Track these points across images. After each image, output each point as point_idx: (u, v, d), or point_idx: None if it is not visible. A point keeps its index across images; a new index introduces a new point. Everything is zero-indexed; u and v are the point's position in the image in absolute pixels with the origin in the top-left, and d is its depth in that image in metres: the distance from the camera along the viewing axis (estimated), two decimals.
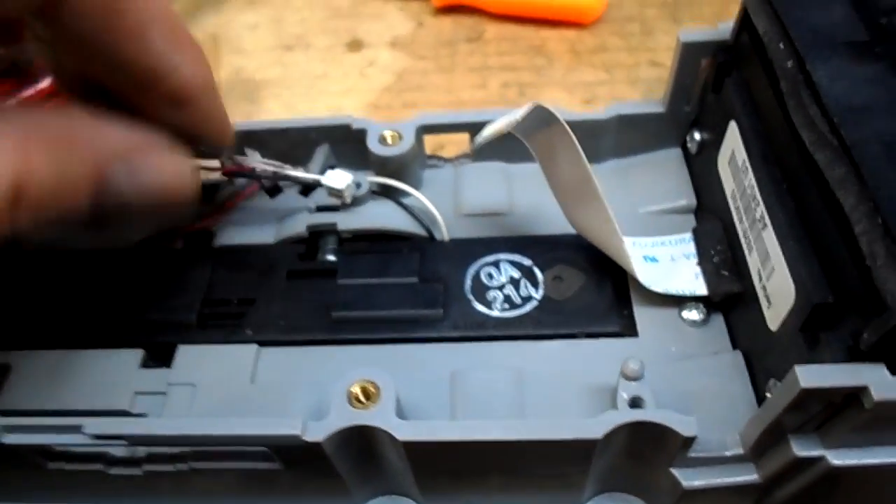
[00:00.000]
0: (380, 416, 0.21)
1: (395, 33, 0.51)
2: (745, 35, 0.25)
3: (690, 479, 0.21)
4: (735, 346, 0.25)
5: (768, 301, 0.22)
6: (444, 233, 0.29)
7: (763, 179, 0.22)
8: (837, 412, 0.18)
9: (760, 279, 0.22)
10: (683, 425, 0.20)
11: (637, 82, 0.47)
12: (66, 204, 0.20)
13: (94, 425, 0.22)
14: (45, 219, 0.19)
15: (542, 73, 0.49)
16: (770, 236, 0.22)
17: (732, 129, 0.25)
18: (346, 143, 0.31)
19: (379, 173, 0.30)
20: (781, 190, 0.22)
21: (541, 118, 0.23)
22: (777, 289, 0.21)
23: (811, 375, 0.17)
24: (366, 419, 0.21)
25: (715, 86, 0.26)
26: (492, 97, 0.47)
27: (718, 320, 0.26)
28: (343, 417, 0.21)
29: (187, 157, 0.24)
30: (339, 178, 0.29)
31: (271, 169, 0.29)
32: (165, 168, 0.22)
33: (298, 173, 0.29)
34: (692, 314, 0.26)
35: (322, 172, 0.31)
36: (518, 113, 0.23)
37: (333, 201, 0.30)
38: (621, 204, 0.27)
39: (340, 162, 0.32)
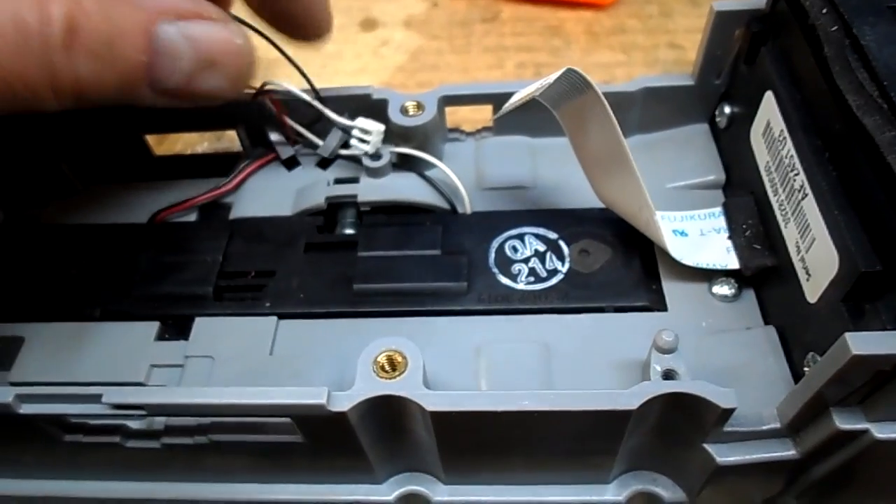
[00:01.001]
0: (407, 386, 0.20)
1: (409, 12, 0.51)
2: (782, 3, 0.24)
3: (725, 454, 0.21)
4: (767, 321, 0.24)
5: (807, 273, 0.21)
6: (466, 205, 0.28)
7: (804, 148, 0.22)
8: (883, 384, 0.18)
9: (799, 251, 0.22)
10: (722, 397, 0.19)
11: (655, 64, 0.46)
12: (120, 52, 0.20)
13: (113, 394, 0.21)
14: (102, 67, 0.20)
15: (558, 55, 0.48)
16: (811, 206, 0.21)
17: (768, 99, 0.24)
18: (367, 113, 0.30)
19: (399, 145, 0.30)
20: (823, 158, 0.21)
21: (573, 84, 0.23)
22: (818, 259, 0.21)
23: (862, 343, 0.16)
24: (393, 388, 0.20)
25: (749, 56, 0.26)
26: (507, 78, 0.46)
27: (750, 295, 0.25)
28: (369, 387, 0.20)
29: (238, 28, 0.23)
30: (370, 124, 0.28)
31: (305, 97, 0.28)
32: (216, 32, 0.22)
33: (332, 114, 0.29)
34: (723, 289, 0.25)
35: (340, 145, 0.30)
36: (549, 78, 0.23)
37: (351, 174, 0.29)
38: (648, 179, 0.26)
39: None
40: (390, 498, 0.24)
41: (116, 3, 0.20)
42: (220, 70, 0.22)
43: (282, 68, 0.49)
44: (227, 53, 0.22)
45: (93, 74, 0.20)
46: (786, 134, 0.23)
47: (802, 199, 0.22)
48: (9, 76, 0.19)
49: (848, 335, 0.16)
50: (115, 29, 0.20)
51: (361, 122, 0.29)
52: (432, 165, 0.29)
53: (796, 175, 0.22)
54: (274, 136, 0.31)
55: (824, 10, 0.21)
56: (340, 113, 0.31)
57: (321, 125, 0.30)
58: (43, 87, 0.20)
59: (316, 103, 0.29)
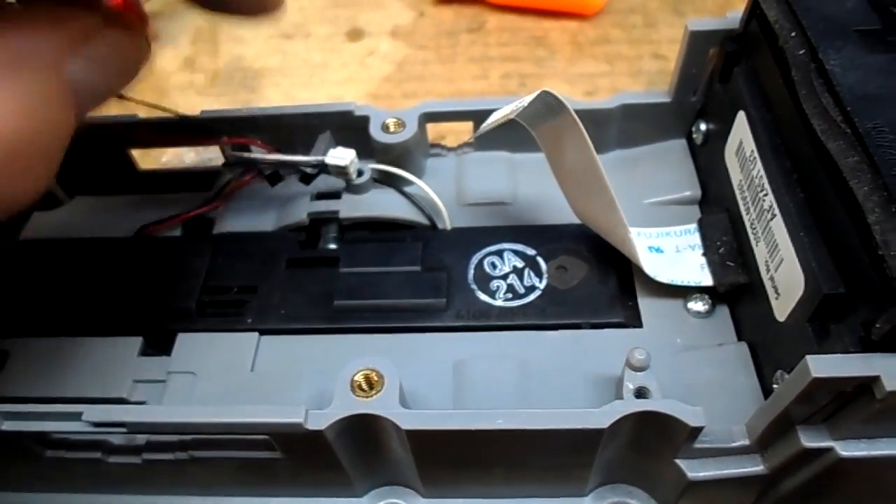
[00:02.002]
0: (383, 405, 0.21)
1: (395, 23, 0.51)
2: (754, 24, 0.24)
3: (696, 470, 0.21)
4: (740, 337, 0.25)
5: (776, 292, 0.22)
6: (446, 221, 0.29)
7: (772, 169, 0.22)
8: (846, 403, 0.18)
9: (768, 270, 0.22)
10: (690, 416, 0.19)
11: (639, 74, 0.47)
12: (51, 137, 0.17)
13: (93, 412, 0.21)
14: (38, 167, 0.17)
15: (543, 65, 0.48)
16: (779, 226, 0.21)
17: (740, 119, 0.24)
18: (348, 130, 0.30)
19: (381, 161, 0.30)
20: (791, 180, 0.21)
21: (548, 105, 0.23)
22: (785, 279, 0.21)
23: (822, 365, 0.17)
24: (369, 408, 0.21)
25: (723, 76, 0.26)
26: (493, 88, 0.47)
27: (724, 312, 0.26)
28: (346, 406, 0.21)
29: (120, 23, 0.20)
30: (342, 155, 0.28)
31: (272, 158, 0.28)
32: (112, 41, 0.19)
33: (301, 158, 0.28)
34: (697, 305, 0.25)
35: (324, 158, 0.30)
36: (525, 100, 0.23)
37: (335, 186, 0.29)
38: (625, 195, 0.27)
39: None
40: None
41: (22, 77, 0.16)
42: (129, 68, 0.20)
43: (269, 77, 0.49)
44: (130, 50, 0.20)
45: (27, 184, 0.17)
46: (756, 154, 0.23)
47: (771, 219, 0.22)
48: None
49: (809, 358, 0.17)
50: (39, 123, 0.16)
51: (333, 154, 0.29)
52: (412, 182, 0.29)
53: (765, 195, 0.22)
54: (257, 152, 0.31)
55: (793, 34, 0.22)
56: (322, 130, 0.31)
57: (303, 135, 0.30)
58: None
59: (288, 158, 0.29)
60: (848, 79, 0.19)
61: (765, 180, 0.22)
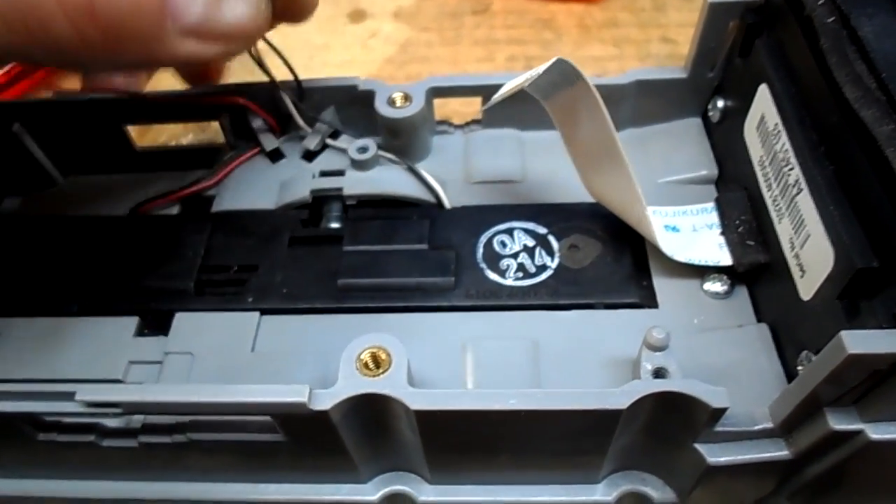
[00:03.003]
0: (391, 384, 0.20)
1: (398, 4, 0.50)
2: None
3: (716, 455, 0.20)
4: (760, 318, 0.24)
5: (801, 270, 0.21)
6: (445, 203, 0.28)
7: (799, 142, 0.21)
8: (879, 383, 0.17)
9: (793, 247, 0.21)
10: (713, 396, 0.19)
11: (647, 58, 0.46)
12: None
13: (87, 391, 0.20)
14: None
15: (549, 48, 0.47)
16: (806, 201, 0.20)
17: (762, 92, 0.24)
18: (353, 105, 0.30)
19: (386, 137, 0.29)
20: (819, 153, 0.20)
21: (564, 74, 0.22)
22: (812, 256, 0.20)
23: (858, 341, 0.16)
24: (376, 387, 0.20)
25: (743, 49, 0.25)
26: (498, 71, 0.46)
27: (742, 292, 0.25)
28: (352, 385, 0.20)
29: None
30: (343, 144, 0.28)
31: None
32: None
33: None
34: (715, 286, 0.25)
35: (328, 135, 0.30)
36: (539, 69, 0.22)
37: (339, 164, 0.28)
38: (639, 174, 0.26)
39: (346, 126, 0.30)
40: (374, 498, 0.24)
41: None
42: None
43: (269, 59, 0.48)
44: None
45: None
46: (780, 128, 0.22)
47: (797, 194, 0.21)
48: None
49: (843, 333, 0.16)
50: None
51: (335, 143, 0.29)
52: (418, 158, 0.28)
53: (791, 170, 0.21)
54: (258, 128, 0.30)
55: (820, 2, 0.21)
56: (326, 105, 0.30)
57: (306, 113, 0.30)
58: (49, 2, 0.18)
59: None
60: (882, 45, 0.18)
61: (790, 154, 0.21)
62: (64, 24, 0.18)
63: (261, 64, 0.28)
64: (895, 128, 0.17)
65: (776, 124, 0.22)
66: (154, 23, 0.19)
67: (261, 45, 0.28)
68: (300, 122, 0.29)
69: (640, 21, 0.48)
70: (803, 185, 0.21)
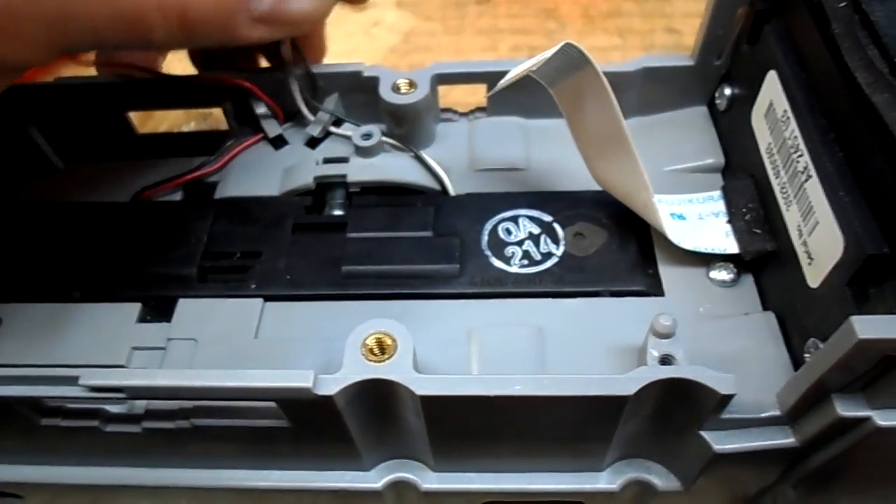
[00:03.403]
0: (397, 370, 0.20)
1: None
2: None
3: (722, 442, 0.20)
4: (766, 307, 0.24)
5: (809, 257, 0.21)
6: (450, 190, 0.28)
7: (808, 129, 0.21)
8: (888, 370, 0.17)
9: (801, 234, 0.21)
10: (721, 383, 0.19)
11: (652, 49, 0.46)
12: None
13: (90, 376, 0.20)
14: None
15: (553, 38, 0.47)
16: (815, 188, 0.20)
17: (771, 79, 0.23)
18: (357, 92, 0.29)
19: (390, 124, 0.29)
20: (828, 139, 0.20)
21: (571, 59, 0.22)
22: (821, 243, 0.20)
23: (869, 326, 0.16)
24: (382, 372, 0.19)
25: (751, 36, 0.25)
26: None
27: (748, 280, 0.25)
28: (357, 370, 0.20)
29: None
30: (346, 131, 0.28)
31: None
32: None
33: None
34: (721, 274, 0.25)
35: (331, 122, 0.29)
36: (546, 53, 0.22)
37: (342, 151, 0.28)
38: (645, 162, 0.26)
39: (350, 113, 0.30)
40: (378, 485, 0.24)
41: None
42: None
43: None
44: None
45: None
46: (790, 114, 0.22)
47: (806, 181, 0.21)
48: None
49: (854, 319, 0.16)
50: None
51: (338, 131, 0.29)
52: (422, 146, 0.28)
53: (800, 156, 0.21)
54: (261, 114, 0.30)
55: None
56: (330, 92, 0.30)
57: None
58: (149, 3, 0.20)
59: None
60: (894, 29, 0.18)
61: (799, 141, 0.21)
62: (161, 27, 0.21)
63: (279, 51, 0.28)
64: None
65: (785, 111, 0.22)
66: (231, 15, 0.22)
67: None
68: (305, 112, 0.29)
69: (644, 11, 0.47)
70: (812, 171, 0.21)
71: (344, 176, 0.28)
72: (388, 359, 0.20)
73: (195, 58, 0.30)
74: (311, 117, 0.30)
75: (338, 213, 0.28)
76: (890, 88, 0.18)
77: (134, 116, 0.31)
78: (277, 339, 0.25)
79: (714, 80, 0.28)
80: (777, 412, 0.20)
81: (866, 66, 0.18)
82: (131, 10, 0.20)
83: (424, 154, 0.28)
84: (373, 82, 0.28)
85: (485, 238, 0.26)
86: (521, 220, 0.27)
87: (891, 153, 0.17)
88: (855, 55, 0.19)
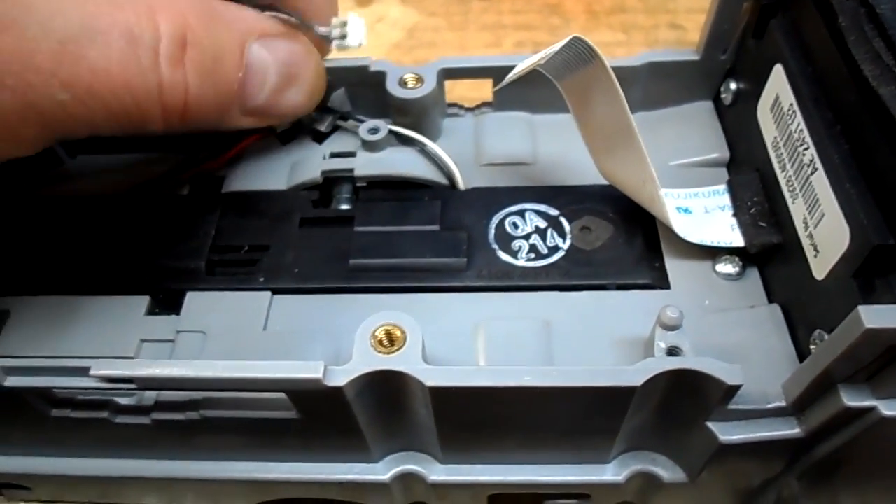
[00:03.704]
0: (406, 361, 0.20)
1: None
2: None
3: (728, 433, 0.20)
4: (772, 299, 0.24)
5: (815, 249, 0.21)
6: (460, 183, 0.28)
7: (814, 122, 0.21)
8: (893, 360, 0.17)
9: (807, 227, 0.21)
10: (728, 374, 0.19)
11: (656, 44, 0.46)
12: (222, 68, 0.22)
13: (101, 366, 0.20)
14: (206, 84, 0.21)
15: (557, 33, 0.47)
16: (821, 180, 0.20)
17: (777, 73, 0.24)
18: (364, 86, 0.29)
19: (397, 119, 0.29)
20: (834, 131, 0.20)
21: (578, 53, 0.22)
22: (826, 235, 0.20)
23: (876, 316, 0.16)
24: (391, 363, 0.20)
25: (757, 30, 0.25)
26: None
27: (754, 274, 0.25)
28: (366, 361, 0.20)
29: (306, 41, 0.25)
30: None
31: None
32: (297, 49, 0.24)
33: None
34: (727, 267, 0.25)
35: (338, 117, 0.30)
36: (554, 47, 0.22)
37: (350, 145, 0.28)
38: (651, 157, 0.26)
39: (357, 108, 0.30)
40: (386, 477, 0.24)
41: (215, 22, 0.21)
42: (301, 85, 0.24)
43: None
44: (307, 69, 0.24)
45: (198, 90, 0.21)
46: (795, 108, 0.22)
47: (812, 173, 0.21)
48: (119, 90, 0.19)
49: (861, 308, 0.16)
50: (218, 46, 0.21)
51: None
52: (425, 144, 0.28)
53: (806, 149, 0.21)
54: None
55: None
56: (337, 86, 0.30)
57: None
58: (151, 102, 0.20)
59: None
60: None
61: (805, 134, 0.21)
62: (160, 122, 0.21)
63: None
64: None
65: (791, 104, 0.22)
66: (227, 109, 0.23)
67: None
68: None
69: (648, 7, 0.47)
70: (818, 164, 0.21)
71: (351, 170, 0.28)
72: (397, 350, 0.20)
73: None
74: (313, 113, 0.30)
75: (345, 207, 0.28)
76: None
77: None
78: (286, 331, 0.25)
79: (719, 75, 0.29)
80: (783, 403, 0.20)
81: (873, 59, 0.18)
82: (134, 111, 0.20)
83: (435, 145, 0.28)
84: (379, 77, 0.29)
85: (492, 232, 0.26)
86: (527, 214, 0.27)
87: (895, 145, 0.17)
88: (861, 48, 0.19)
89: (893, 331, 0.16)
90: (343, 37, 0.25)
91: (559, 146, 0.29)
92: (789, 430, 0.20)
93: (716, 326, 0.23)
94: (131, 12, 0.19)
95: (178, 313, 0.25)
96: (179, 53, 0.20)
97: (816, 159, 0.21)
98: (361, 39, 0.26)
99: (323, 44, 0.26)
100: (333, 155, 0.29)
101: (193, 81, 0.21)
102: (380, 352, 0.20)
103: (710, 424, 0.21)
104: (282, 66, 0.23)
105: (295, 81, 0.24)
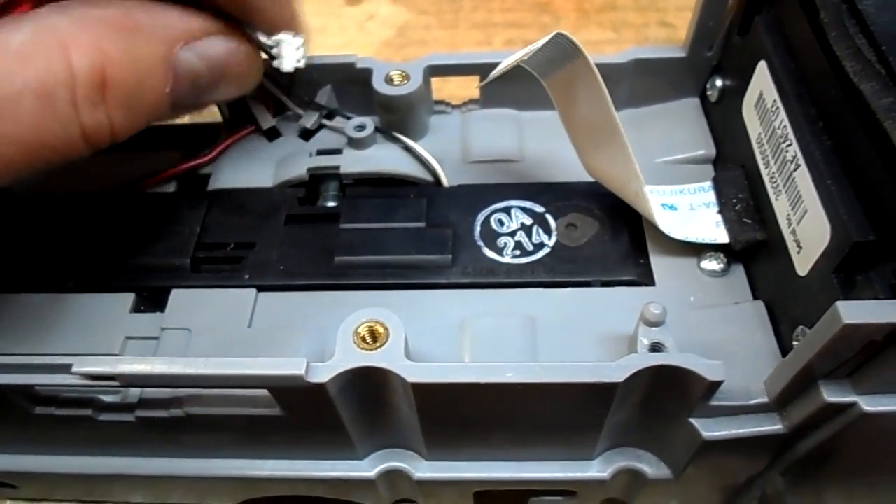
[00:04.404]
0: (388, 358, 0.20)
1: None
2: None
3: (711, 429, 0.20)
4: (756, 296, 0.24)
5: (798, 246, 0.21)
6: (444, 181, 0.28)
7: (797, 118, 0.21)
8: (874, 355, 0.17)
9: (790, 223, 0.21)
10: (709, 370, 0.19)
11: (646, 42, 0.46)
12: (148, 92, 0.20)
13: (84, 363, 0.20)
14: (132, 111, 0.20)
15: (547, 32, 0.46)
16: (803, 177, 0.20)
17: (761, 69, 0.24)
18: (350, 84, 0.29)
19: (384, 116, 0.29)
20: (817, 128, 0.20)
21: (562, 50, 0.22)
22: (809, 231, 0.20)
23: (854, 311, 0.16)
24: (374, 360, 0.20)
25: (742, 27, 0.25)
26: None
27: (738, 271, 0.25)
28: (349, 358, 0.20)
29: (242, 37, 0.24)
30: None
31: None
32: (226, 46, 0.23)
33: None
34: (711, 264, 0.25)
35: (325, 114, 0.30)
36: (538, 44, 0.22)
37: (336, 143, 0.28)
38: (637, 154, 0.26)
39: (344, 105, 0.30)
40: (371, 474, 0.24)
41: (136, 40, 0.20)
42: (233, 78, 0.23)
43: None
44: (239, 63, 0.23)
45: (125, 120, 0.20)
46: (779, 104, 0.22)
47: (795, 170, 0.21)
48: (38, 150, 0.19)
49: (839, 304, 0.16)
50: (140, 70, 0.20)
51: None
52: (416, 138, 0.28)
53: (789, 146, 0.21)
54: (255, 107, 0.30)
55: None
56: (323, 84, 0.30)
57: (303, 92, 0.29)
58: (74, 147, 0.19)
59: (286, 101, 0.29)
60: (882, 18, 0.18)
61: (788, 130, 0.21)
62: (85, 154, 0.20)
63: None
64: (894, 100, 0.17)
65: (775, 101, 0.22)
66: (154, 119, 0.22)
67: None
68: (291, 106, 0.29)
69: (638, 5, 0.47)
70: (801, 160, 0.21)
71: (337, 167, 0.28)
72: (379, 347, 0.20)
73: None
74: (298, 111, 0.30)
75: (331, 204, 0.28)
76: (877, 76, 0.18)
77: None
78: (270, 328, 0.25)
79: (705, 72, 0.29)
80: (765, 399, 0.20)
81: (854, 55, 0.18)
82: (58, 158, 0.19)
83: (417, 145, 0.28)
84: (366, 74, 0.29)
85: (477, 229, 0.26)
86: (513, 211, 0.27)
87: (878, 141, 0.17)
88: (843, 44, 0.19)
89: (872, 326, 0.16)
90: (273, 57, 0.25)
91: (546, 143, 0.29)
92: (772, 426, 0.20)
93: (700, 323, 0.23)
94: (42, 61, 0.18)
95: (163, 311, 0.25)
96: (99, 95, 0.19)
97: (799, 156, 0.21)
98: (295, 64, 0.25)
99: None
100: (320, 152, 0.29)
101: (117, 115, 0.20)
102: (362, 348, 0.20)
103: (693, 421, 0.21)
104: (213, 68, 0.22)
105: (227, 78, 0.23)
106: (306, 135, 0.30)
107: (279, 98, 0.29)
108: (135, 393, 0.23)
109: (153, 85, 0.20)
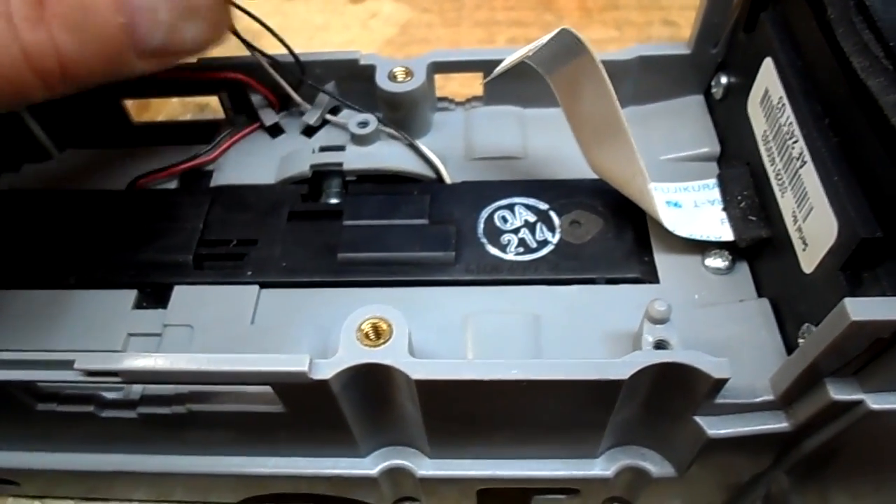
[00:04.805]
0: (392, 354, 0.20)
1: None
2: None
3: (716, 427, 0.20)
4: (761, 294, 0.24)
5: (804, 243, 0.21)
6: (446, 178, 0.28)
7: (803, 114, 0.21)
8: (881, 353, 0.17)
9: (795, 220, 0.21)
10: (715, 367, 0.19)
11: (649, 41, 0.45)
12: (96, 16, 0.19)
13: (86, 360, 0.20)
14: (81, 37, 0.19)
15: (550, 30, 0.46)
16: (810, 173, 0.20)
17: (767, 66, 0.23)
18: (353, 80, 0.29)
19: (387, 113, 0.29)
20: (823, 124, 0.20)
21: (567, 46, 0.22)
22: (815, 228, 0.20)
23: (861, 308, 0.16)
24: (377, 356, 0.20)
25: (748, 24, 0.25)
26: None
27: (743, 268, 0.25)
28: (352, 355, 0.20)
29: None
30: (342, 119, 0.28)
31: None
32: None
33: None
34: (716, 262, 0.25)
35: (328, 111, 0.29)
36: (542, 40, 0.22)
37: (339, 139, 0.28)
38: (641, 152, 0.26)
39: (347, 101, 0.30)
40: (374, 472, 0.24)
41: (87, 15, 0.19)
42: (200, 16, 0.21)
43: (268, 39, 0.48)
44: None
45: (74, 46, 0.19)
46: (785, 101, 0.22)
47: (801, 166, 0.21)
48: None
49: (847, 301, 0.16)
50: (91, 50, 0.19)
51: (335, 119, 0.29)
52: (419, 135, 0.28)
53: (795, 142, 0.21)
54: (258, 104, 0.30)
55: None
56: (325, 81, 0.30)
57: (306, 89, 0.29)
58: (21, 72, 0.18)
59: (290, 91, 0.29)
60: (890, 14, 0.18)
61: (794, 127, 0.21)
62: (39, 88, 0.19)
63: (247, 44, 0.28)
64: None
65: (780, 97, 0.22)
66: (117, 57, 0.20)
67: (257, 26, 0.28)
68: (298, 99, 0.29)
69: (641, 4, 0.47)
70: (807, 157, 0.21)
71: (340, 164, 0.28)
72: (383, 343, 0.20)
73: None
74: (305, 105, 0.30)
75: (334, 201, 0.28)
76: (885, 72, 0.18)
77: (131, 108, 0.31)
78: (273, 325, 0.25)
79: (710, 69, 0.28)
80: (770, 397, 0.20)
81: (861, 51, 0.18)
82: (6, 86, 0.18)
83: (421, 143, 0.28)
84: (369, 70, 0.28)
85: (481, 226, 0.26)
86: (517, 208, 0.27)
87: (885, 137, 0.17)
88: (850, 40, 0.19)
89: (879, 323, 0.16)
90: None
91: (549, 140, 0.29)
92: (777, 424, 0.20)
93: (705, 321, 0.23)
94: None
95: (165, 307, 0.25)
96: (36, 12, 0.18)
97: (805, 152, 0.21)
98: None
99: None
100: (322, 149, 0.29)
101: (63, 38, 0.18)
102: (366, 345, 0.20)
103: (697, 418, 0.21)
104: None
105: (191, 15, 0.21)
106: (309, 131, 0.30)
107: (284, 92, 0.29)
108: (137, 390, 0.23)
109: (101, 10, 0.19)
